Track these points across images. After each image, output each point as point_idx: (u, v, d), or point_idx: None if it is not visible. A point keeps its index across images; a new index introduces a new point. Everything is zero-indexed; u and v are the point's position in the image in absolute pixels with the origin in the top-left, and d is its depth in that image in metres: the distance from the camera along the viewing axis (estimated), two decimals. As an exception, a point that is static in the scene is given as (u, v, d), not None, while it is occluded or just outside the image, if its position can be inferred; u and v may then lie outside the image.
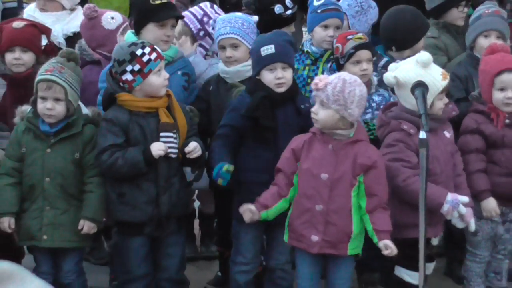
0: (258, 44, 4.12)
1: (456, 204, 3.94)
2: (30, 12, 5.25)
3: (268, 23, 4.80)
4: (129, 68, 3.94)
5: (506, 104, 4.27)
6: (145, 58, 3.95)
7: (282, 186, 3.86)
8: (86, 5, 4.96)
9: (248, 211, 3.83)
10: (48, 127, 3.97)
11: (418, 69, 3.93)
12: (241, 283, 4.24)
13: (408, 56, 4.33)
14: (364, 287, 4.64)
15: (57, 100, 3.94)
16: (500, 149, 4.28)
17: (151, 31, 4.42)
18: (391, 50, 4.77)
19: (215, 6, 5.07)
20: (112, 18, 4.86)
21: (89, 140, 4.03)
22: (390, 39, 4.78)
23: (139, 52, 3.94)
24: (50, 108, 3.94)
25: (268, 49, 4.04)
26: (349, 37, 4.46)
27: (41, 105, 3.95)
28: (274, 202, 3.86)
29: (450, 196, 3.92)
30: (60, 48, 4.88)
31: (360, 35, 4.50)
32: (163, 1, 4.47)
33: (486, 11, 4.86)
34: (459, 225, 4.02)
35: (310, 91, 4.29)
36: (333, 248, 3.84)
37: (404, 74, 3.95)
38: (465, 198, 3.97)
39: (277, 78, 4.03)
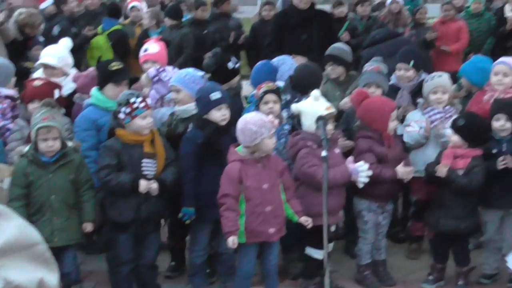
0: (207, 92, 4.74)
1: (356, 171, 4.64)
2: (40, 75, 5.90)
3: (224, 76, 5.57)
4: (123, 109, 4.58)
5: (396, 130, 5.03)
6: (135, 105, 4.56)
7: (236, 209, 4.40)
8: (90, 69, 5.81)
9: (233, 241, 4.36)
10: (47, 159, 4.57)
11: (311, 101, 4.65)
12: (198, 264, 4.92)
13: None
14: (287, 264, 5.21)
15: (54, 139, 4.55)
16: (385, 163, 4.90)
17: (110, 89, 5.12)
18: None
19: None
20: None
21: (79, 164, 4.62)
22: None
23: (132, 100, 4.56)
24: (51, 145, 4.54)
25: (216, 95, 4.72)
26: (262, 86, 5.11)
27: (43, 145, 4.53)
28: (238, 222, 4.43)
29: (350, 168, 4.65)
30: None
31: (270, 84, 5.13)
32: (118, 67, 5.18)
33: (369, 69, 5.54)
34: (361, 184, 4.68)
35: None
36: (279, 233, 4.54)
37: (304, 105, 4.70)
38: (362, 165, 4.64)
39: (223, 114, 4.72)
